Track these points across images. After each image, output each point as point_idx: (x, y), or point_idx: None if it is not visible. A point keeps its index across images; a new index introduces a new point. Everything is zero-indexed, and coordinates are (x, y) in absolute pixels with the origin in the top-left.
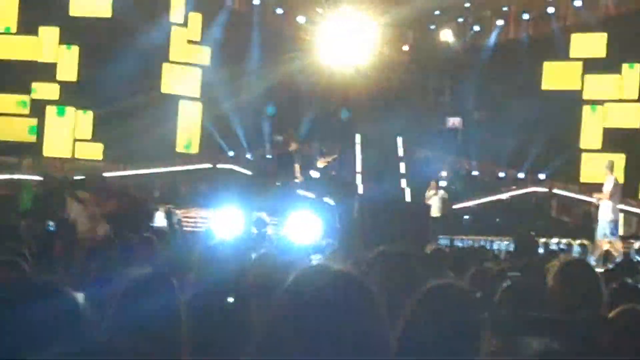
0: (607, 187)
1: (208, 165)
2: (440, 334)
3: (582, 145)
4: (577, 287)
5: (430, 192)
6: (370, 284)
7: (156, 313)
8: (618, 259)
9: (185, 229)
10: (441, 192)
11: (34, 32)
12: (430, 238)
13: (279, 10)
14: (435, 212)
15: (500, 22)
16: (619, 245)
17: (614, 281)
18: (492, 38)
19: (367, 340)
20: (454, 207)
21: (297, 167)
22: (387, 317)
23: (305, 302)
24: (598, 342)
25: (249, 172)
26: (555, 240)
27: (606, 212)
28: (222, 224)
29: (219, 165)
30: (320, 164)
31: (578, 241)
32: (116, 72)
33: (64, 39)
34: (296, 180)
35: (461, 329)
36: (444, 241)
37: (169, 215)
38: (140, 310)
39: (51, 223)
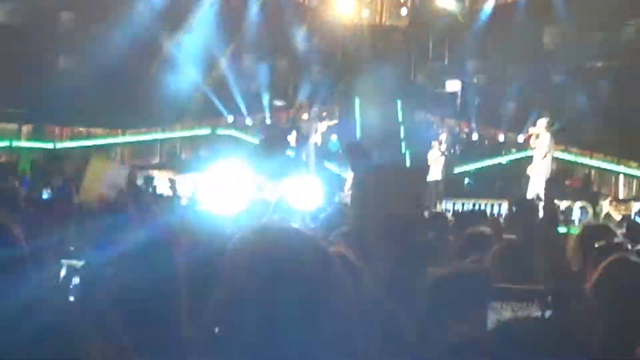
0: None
1: (207, 131)
2: None
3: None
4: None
5: (434, 154)
6: (326, 247)
7: (154, 276)
8: None
9: (182, 194)
10: (445, 154)
11: None
12: (428, 202)
13: None
14: (437, 174)
15: None
16: None
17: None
18: (491, 1)
19: (312, 299)
20: (455, 170)
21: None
22: (347, 281)
23: (254, 257)
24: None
25: (249, 138)
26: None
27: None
28: (219, 189)
29: (218, 131)
30: (321, 128)
31: (579, 203)
32: (117, 35)
33: None
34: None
35: None
36: (445, 204)
37: (171, 182)
38: (138, 272)
39: (47, 190)
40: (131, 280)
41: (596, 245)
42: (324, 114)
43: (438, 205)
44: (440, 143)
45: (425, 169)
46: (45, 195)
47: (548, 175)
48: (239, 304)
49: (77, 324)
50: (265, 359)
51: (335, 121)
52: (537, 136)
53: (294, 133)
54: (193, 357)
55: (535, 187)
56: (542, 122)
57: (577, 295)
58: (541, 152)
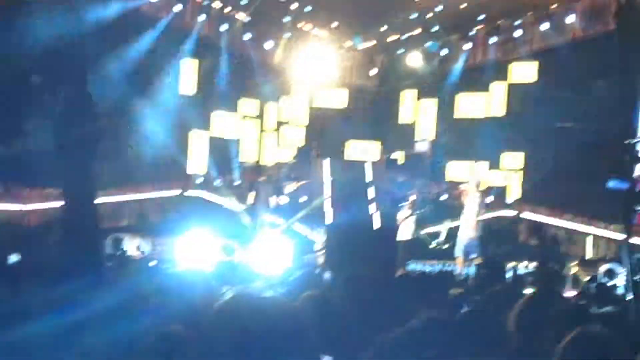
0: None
1: (176, 193)
2: None
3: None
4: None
5: (404, 214)
6: (299, 312)
7: (124, 339)
8: None
9: (153, 256)
10: (416, 213)
11: None
12: (399, 263)
13: (247, 36)
14: (407, 234)
15: (467, 46)
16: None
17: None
18: (460, 62)
19: None
20: (424, 231)
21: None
22: (316, 342)
23: (232, 325)
24: None
25: (218, 200)
26: (523, 264)
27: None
28: (189, 252)
29: (187, 193)
30: (289, 189)
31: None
32: (86, 95)
33: None
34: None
35: None
36: (414, 266)
37: (137, 243)
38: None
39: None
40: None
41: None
42: (293, 174)
43: (408, 267)
44: (410, 203)
45: (395, 229)
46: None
47: (474, 234)
48: None
49: None
50: None
51: (304, 182)
52: (467, 193)
53: (254, 193)
54: None
55: (463, 244)
56: (473, 180)
57: None
58: (470, 209)
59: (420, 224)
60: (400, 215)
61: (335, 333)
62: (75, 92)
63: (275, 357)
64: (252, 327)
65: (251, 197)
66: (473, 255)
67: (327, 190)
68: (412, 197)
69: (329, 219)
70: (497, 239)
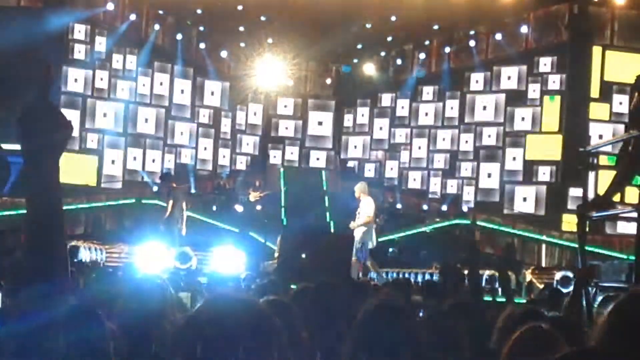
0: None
1: (132, 200)
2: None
3: (506, 177)
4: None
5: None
6: (270, 311)
7: (84, 345)
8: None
9: (109, 264)
10: (377, 221)
11: None
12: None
13: (202, 45)
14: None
15: (422, 56)
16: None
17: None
18: (414, 71)
19: None
20: (380, 239)
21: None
22: (287, 344)
23: (208, 330)
24: None
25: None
26: (479, 271)
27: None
28: (147, 258)
29: (143, 200)
30: (252, 197)
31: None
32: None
33: None
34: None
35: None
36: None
37: (92, 251)
38: (67, 342)
39: None
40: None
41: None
42: (257, 183)
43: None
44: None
45: (351, 237)
46: None
47: (358, 238)
48: None
49: None
50: None
51: (267, 192)
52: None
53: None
54: None
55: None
56: (361, 185)
57: None
58: (361, 214)
59: (377, 232)
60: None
61: (294, 338)
62: (37, 99)
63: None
64: (233, 328)
65: (170, 205)
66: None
67: (283, 199)
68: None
69: (285, 226)
70: (453, 246)
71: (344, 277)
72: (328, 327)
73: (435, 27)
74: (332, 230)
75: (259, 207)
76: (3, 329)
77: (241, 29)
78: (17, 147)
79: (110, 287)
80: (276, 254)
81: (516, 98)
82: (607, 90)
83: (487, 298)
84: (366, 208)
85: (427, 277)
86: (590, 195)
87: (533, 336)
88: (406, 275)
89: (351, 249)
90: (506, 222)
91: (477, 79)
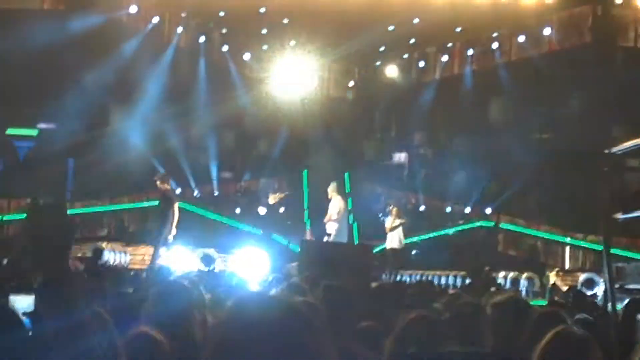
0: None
1: (156, 202)
2: None
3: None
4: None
5: (390, 222)
6: (308, 310)
7: (94, 353)
8: None
9: (133, 266)
10: (402, 221)
11: None
12: (375, 275)
13: (225, 48)
14: (394, 243)
15: (444, 58)
16: None
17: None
18: (437, 74)
19: None
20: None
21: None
22: (327, 343)
23: (242, 328)
24: None
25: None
26: (502, 274)
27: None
28: (174, 261)
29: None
30: (272, 200)
31: (525, 274)
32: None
33: None
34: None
35: None
36: (405, 277)
37: (116, 253)
38: (78, 350)
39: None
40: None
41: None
42: (276, 185)
43: (396, 275)
44: (396, 211)
45: (371, 246)
46: None
47: (332, 237)
48: None
49: None
50: None
51: (286, 193)
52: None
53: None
54: None
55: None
56: (332, 185)
57: None
58: (332, 213)
59: (403, 234)
60: (386, 224)
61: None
62: (56, 104)
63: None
64: (265, 326)
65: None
66: None
67: (306, 202)
68: (393, 208)
69: (308, 228)
70: (476, 249)
71: (365, 282)
72: (348, 331)
73: (458, 29)
74: (355, 231)
75: (281, 209)
76: (36, 328)
77: (264, 31)
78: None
79: (136, 290)
80: (298, 256)
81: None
82: None
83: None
84: (332, 207)
85: (451, 280)
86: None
87: (566, 339)
88: (429, 278)
89: (372, 256)
90: (530, 223)
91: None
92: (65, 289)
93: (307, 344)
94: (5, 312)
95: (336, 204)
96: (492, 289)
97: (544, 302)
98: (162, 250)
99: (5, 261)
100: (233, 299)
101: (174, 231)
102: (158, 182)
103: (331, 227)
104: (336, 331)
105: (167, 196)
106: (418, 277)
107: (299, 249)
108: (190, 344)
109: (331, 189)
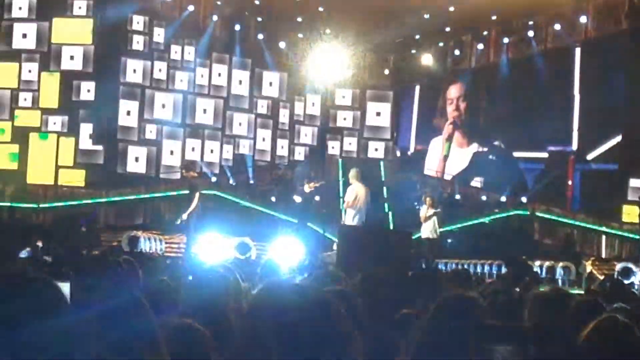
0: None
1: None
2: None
3: None
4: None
5: (425, 211)
6: (330, 298)
7: (131, 339)
8: None
9: (168, 254)
10: (437, 210)
11: (16, 59)
12: (413, 264)
13: (260, 36)
14: (430, 232)
15: (480, 46)
16: None
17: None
18: (472, 62)
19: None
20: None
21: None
22: (349, 331)
23: (266, 315)
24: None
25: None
26: (538, 263)
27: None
28: (207, 249)
29: (202, 191)
30: (307, 188)
31: (561, 263)
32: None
33: (45, 66)
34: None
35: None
36: (441, 265)
37: (152, 241)
38: (115, 336)
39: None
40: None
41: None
42: (313, 174)
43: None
44: (433, 198)
45: (408, 228)
46: (24, 254)
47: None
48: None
49: None
50: None
51: (322, 182)
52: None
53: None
54: None
55: None
56: (352, 172)
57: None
58: (348, 199)
59: (438, 223)
60: (420, 214)
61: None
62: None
63: (314, 344)
64: (290, 314)
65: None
66: None
67: (342, 189)
68: (428, 198)
69: (344, 217)
70: (512, 237)
71: (403, 271)
72: (388, 319)
73: (494, 17)
74: (390, 220)
75: (317, 198)
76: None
77: (299, 19)
78: None
79: (172, 278)
80: (335, 246)
81: None
82: None
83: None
84: (348, 194)
85: (487, 268)
86: None
87: (611, 326)
88: (465, 267)
89: (409, 244)
90: (565, 213)
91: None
92: (101, 277)
93: (331, 331)
94: (55, 293)
95: (352, 190)
96: (527, 278)
97: (580, 291)
98: (197, 239)
99: (40, 246)
100: (260, 286)
101: (184, 216)
102: (184, 171)
103: (348, 215)
104: (374, 319)
105: (193, 184)
106: (453, 266)
107: (338, 235)
108: (226, 331)
109: (351, 175)
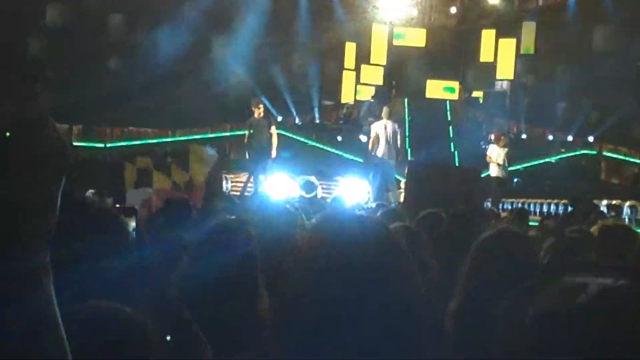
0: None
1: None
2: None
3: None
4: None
5: (494, 151)
6: (393, 231)
7: (233, 261)
8: None
9: (234, 192)
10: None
11: None
12: (479, 202)
13: None
14: (498, 171)
15: None
16: None
17: None
18: (540, 0)
19: (388, 285)
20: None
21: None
22: (412, 263)
23: (324, 244)
24: None
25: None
26: (604, 202)
27: None
28: (274, 188)
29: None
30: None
31: (628, 202)
32: (165, 36)
33: None
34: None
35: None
36: (507, 204)
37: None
38: (217, 258)
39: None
40: (206, 267)
41: None
42: (377, 113)
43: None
44: (504, 134)
45: (477, 167)
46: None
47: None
48: (316, 288)
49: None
50: (339, 342)
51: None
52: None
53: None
54: (267, 340)
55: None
56: (385, 110)
57: None
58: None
59: (507, 162)
60: (491, 152)
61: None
62: (155, 32)
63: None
64: (351, 243)
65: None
66: None
67: (407, 128)
68: (496, 135)
69: (409, 156)
70: (578, 177)
71: (470, 208)
72: (455, 256)
73: None
74: (456, 160)
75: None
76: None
77: None
78: None
79: (239, 216)
80: (402, 185)
81: None
82: None
83: None
84: (373, 130)
85: (553, 207)
86: None
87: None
88: (529, 206)
89: (478, 182)
90: (633, 151)
91: None
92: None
93: (387, 264)
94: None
95: (373, 128)
96: (592, 215)
97: None
98: (262, 177)
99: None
100: (318, 216)
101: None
102: (253, 109)
103: (379, 151)
104: (439, 259)
105: (268, 117)
106: (519, 205)
107: (406, 171)
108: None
109: (384, 113)
